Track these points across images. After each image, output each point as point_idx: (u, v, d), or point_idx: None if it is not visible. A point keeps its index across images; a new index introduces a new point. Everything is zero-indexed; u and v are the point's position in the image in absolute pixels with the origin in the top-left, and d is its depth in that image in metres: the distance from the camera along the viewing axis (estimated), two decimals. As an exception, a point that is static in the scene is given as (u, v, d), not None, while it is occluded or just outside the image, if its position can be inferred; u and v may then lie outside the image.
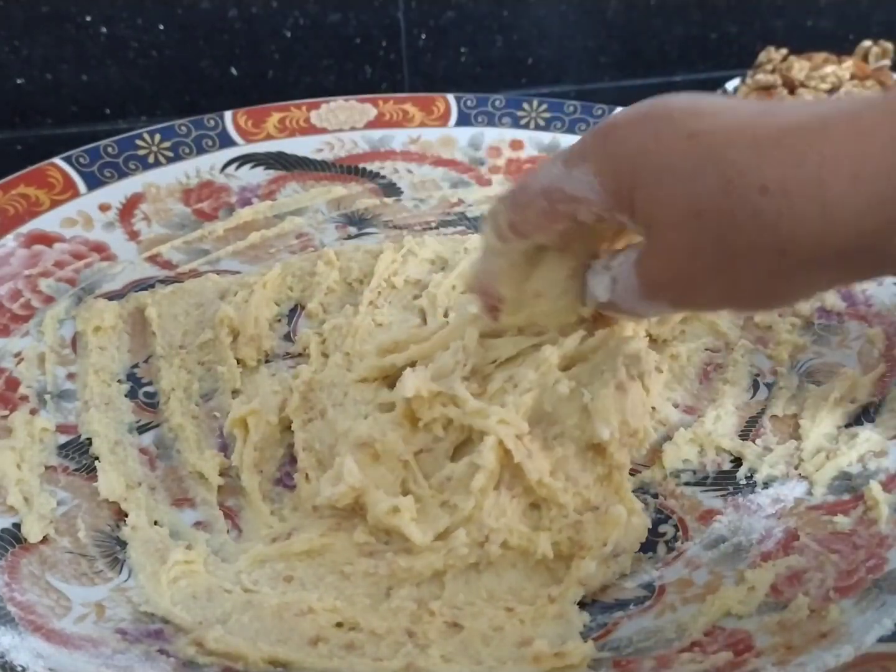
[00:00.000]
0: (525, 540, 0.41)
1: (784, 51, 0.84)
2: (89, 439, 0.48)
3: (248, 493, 0.46)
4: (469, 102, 0.72)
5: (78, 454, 0.47)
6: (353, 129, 0.70)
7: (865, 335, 0.55)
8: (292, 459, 0.48)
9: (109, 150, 0.63)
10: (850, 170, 0.29)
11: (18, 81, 0.76)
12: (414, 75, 0.87)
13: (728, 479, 0.48)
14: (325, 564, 0.42)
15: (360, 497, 0.42)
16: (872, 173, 0.29)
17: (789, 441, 0.49)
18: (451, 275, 0.59)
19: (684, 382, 0.54)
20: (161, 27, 0.78)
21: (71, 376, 0.51)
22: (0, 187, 0.57)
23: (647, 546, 0.44)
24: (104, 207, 0.61)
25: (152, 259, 0.60)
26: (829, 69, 0.80)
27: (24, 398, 0.49)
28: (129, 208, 0.61)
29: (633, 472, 0.46)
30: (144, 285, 0.58)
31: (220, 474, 0.47)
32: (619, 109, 0.38)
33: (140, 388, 0.52)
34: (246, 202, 0.65)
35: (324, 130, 0.69)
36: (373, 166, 0.69)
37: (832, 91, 0.79)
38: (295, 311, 0.59)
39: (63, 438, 0.48)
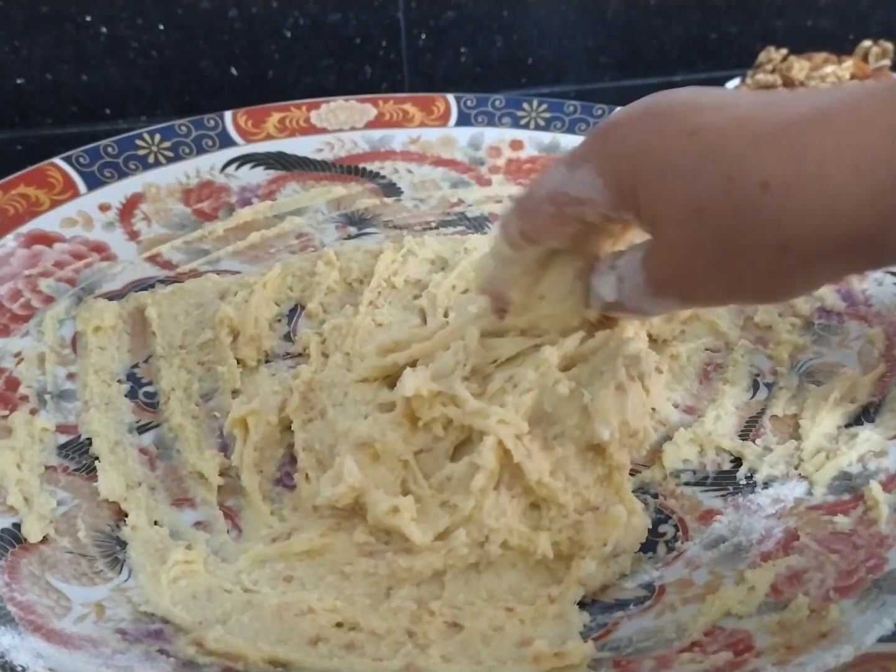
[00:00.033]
0: (525, 540, 0.41)
1: (784, 51, 0.84)
2: (89, 439, 0.48)
3: (248, 493, 0.46)
4: (469, 102, 0.72)
5: (78, 454, 0.47)
6: (353, 129, 0.70)
7: (865, 335, 0.55)
8: (292, 459, 0.48)
9: (109, 150, 0.63)
10: (851, 160, 0.29)
11: (18, 81, 0.76)
12: (414, 75, 0.87)
13: (728, 479, 0.48)
14: (325, 564, 0.42)
15: (360, 497, 0.42)
16: (873, 162, 0.29)
17: (789, 441, 0.49)
18: (451, 275, 0.59)
19: (684, 382, 0.54)
20: (161, 27, 0.78)
21: (71, 376, 0.51)
22: (0, 187, 0.57)
23: (647, 546, 0.44)
24: (104, 207, 0.61)
25: (152, 259, 0.60)
26: (829, 69, 0.80)
27: (24, 398, 0.49)
28: (129, 208, 0.61)
29: (633, 472, 0.46)
30: (144, 285, 0.58)
31: (220, 474, 0.47)
32: (618, 109, 0.39)
33: (140, 388, 0.52)
34: (246, 202, 0.65)
35: (324, 130, 0.69)
36: (373, 166, 0.69)
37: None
38: (295, 311, 0.59)
39: (63, 438, 0.48)
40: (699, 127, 0.32)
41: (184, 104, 0.81)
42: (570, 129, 0.71)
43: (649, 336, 0.53)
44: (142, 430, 0.50)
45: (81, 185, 0.61)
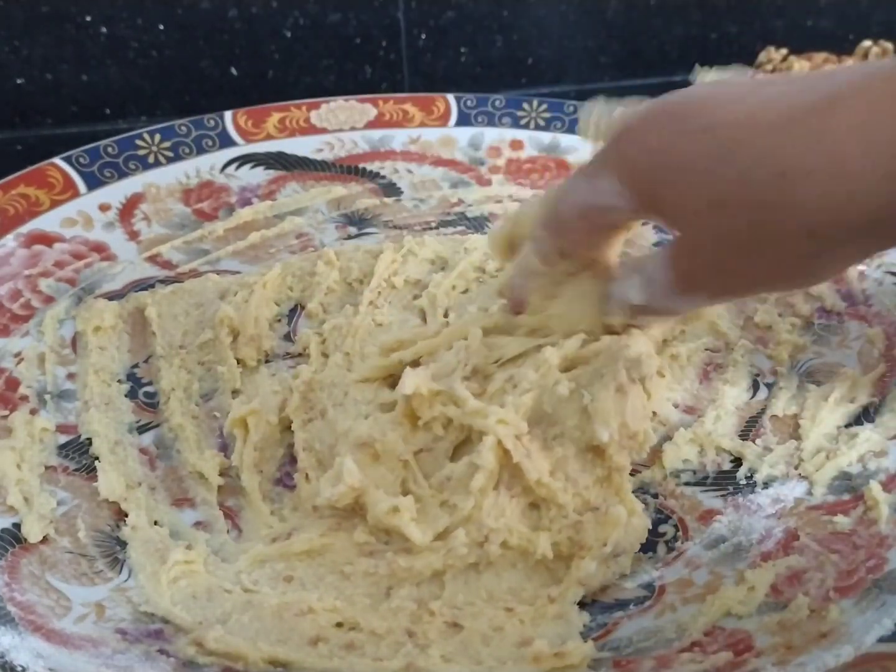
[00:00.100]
0: (525, 540, 0.41)
1: (784, 51, 0.84)
2: (89, 439, 0.48)
3: (248, 493, 0.46)
4: (469, 102, 0.72)
5: (78, 454, 0.47)
6: (353, 129, 0.70)
7: (865, 335, 0.55)
8: (292, 459, 0.48)
9: (109, 150, 0.63)
10: (864, 140, 0.29)
11: (18, 81, 0.76)
12: (414, 75, 0.87)
13: (728, 479, 0.48)
14: (325, 564, 0.42)
15: (360, 497, 0.42)
16: (886, 141, 0.29)
17: (789, 441, 0.49)
18: (451, 275, 0.59)
19: (684, 382, 0.54)
20: (161, 27, 0.77)
21: (71, 376, 0.51)
22: (0, 187, 0.57)
23: (647, 546, 0.44)
24: (104, 207, 0.61)
25: (152, 259, 0.60)
26: (829, 69, 0.80)
27: (24, 398, 0.49)
28: (129, 208, 0.62)
29: (633, 473, 0.46)
30: (144, 285, 0.58)
31: (220, 474, 0.47)
32: (621, 109, 0.39)
33: (140, 388, 0.52)
34: (246, 202, 0.65)
35: (324, 130, 0.69)
36: (373, 166, 0.69)
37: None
38: (295, 311, 0.59)
39: (63, 438, 0.48)
40: (714, 123, 0.33)
41: (184, 104, 0.81)
42: (570, 129, 0.71)
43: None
44: (142, 430, 0.50)
45: (81, 185, 0.61)
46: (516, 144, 0.71)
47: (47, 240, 0.57)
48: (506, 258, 0.47)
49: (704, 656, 0.36)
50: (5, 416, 0.47)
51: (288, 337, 0.57)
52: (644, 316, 0.42)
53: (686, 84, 0.37)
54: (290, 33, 0.81)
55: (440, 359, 0.45)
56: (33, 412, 0.48)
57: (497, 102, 0.72)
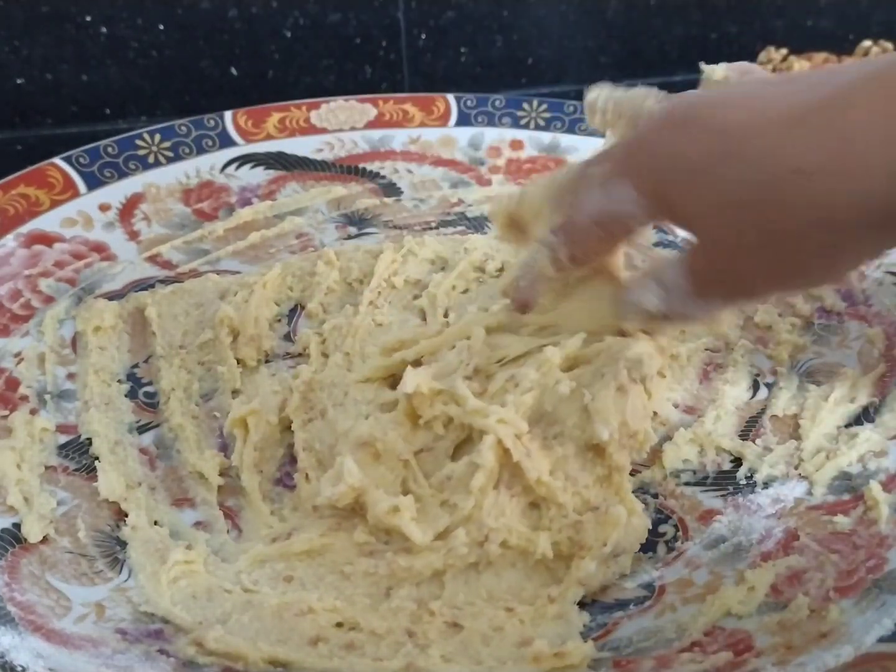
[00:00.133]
0: (525, 540, 0.41)
1: (784, 51, 0.84)
2: (89, 439, 0.48)
3: (248, 493, 0.46)
4: (469, 102, 0.72)
5: (78, 454, 0.47)
6: (353, 129, 0.70)
7: (865, 335, 0.55)
8: (292, 459, 0.48)
9: (109, 150, 0.63)
10: (880, 132, 0.29)
11: (18, 81, 0.76)
12: (414, 75, 0.87)
13: (728, 479, 0.48)
14: (325, 564, 0.42)
15: (360, 497, 0.42)
16: None
17: (789, 441, 0.49)
18: (451, 275, 0.59)
19: (684, 382, 0.54)
20: (161, 27, 0.77)
21: (71, 376, 0.51)
22: (0, 187, 0.57)
23: (647, 546, 0.44)
24: (104, 207, 0.61)
25: (152, 259, 0.60)
26: (834, 66, 0.80)
27: (24, 398, 0.49)
28: (129, 208, 0.62)
29: (633, 473, 0.46)
30: (144, 285, 0.58)
31: (220, 474, 0.47)
32: (651, 101, 0.39)
33: (140, 388, 0.52)
34: (246, 202, 0.65)
35: (324, 130, 0.69)
36: (373, 166, 0.69)
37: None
38: (295, 311, 0.59)
39: (63, 438, 0.48)
40: (726, 126, 0.33)
41: (184, 104, 0.81)
42: (570, 129, 0.71)
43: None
44: (142, 430, 0.50)
45: (81, 185, 0.61)
46: (516, 144, 0.71)
47: (47, 240, 0.57)
48: (504, 233, 0.47)
49: (704, 656, 0.36)
50: (5, 416, 0.47)
51: (288, 337, 0.57)
52: (659, 323, 0.42)
53: (686, 83, 0.37)
54: (290, 33, 0.81)
55: (442, 358, 0.45)
56: (33, 412, 0.48)
57: (497, 102, 0.72)
